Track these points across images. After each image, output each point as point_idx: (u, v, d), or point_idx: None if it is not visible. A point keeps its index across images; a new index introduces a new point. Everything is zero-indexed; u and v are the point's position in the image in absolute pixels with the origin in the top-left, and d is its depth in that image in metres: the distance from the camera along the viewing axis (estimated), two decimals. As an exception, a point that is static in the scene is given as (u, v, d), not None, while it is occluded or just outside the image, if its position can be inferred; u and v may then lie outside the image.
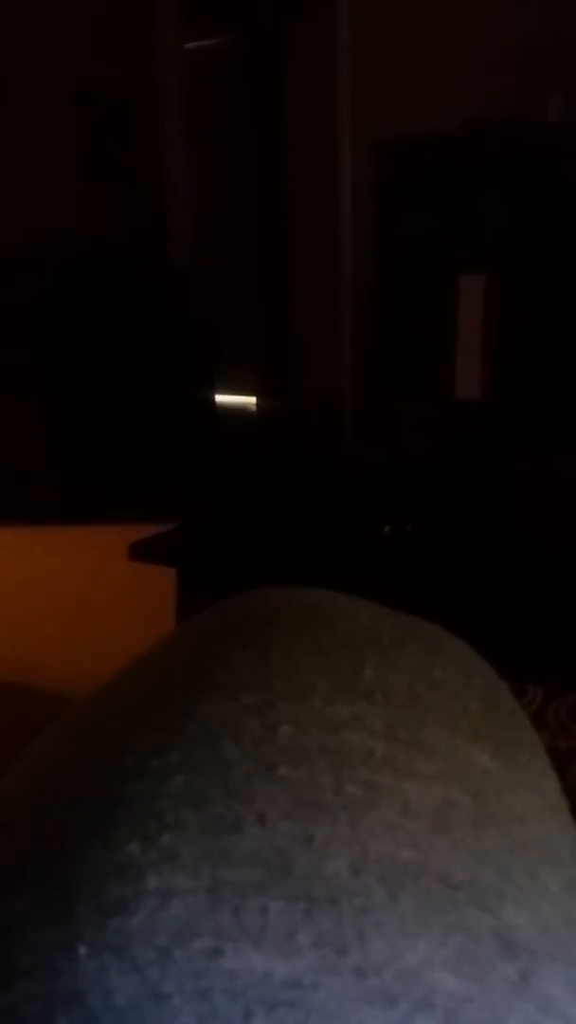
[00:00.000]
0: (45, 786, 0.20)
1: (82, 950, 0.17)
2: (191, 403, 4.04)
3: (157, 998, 0.16)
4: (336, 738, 0.19)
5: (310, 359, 4.32)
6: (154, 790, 0.19)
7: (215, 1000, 0.16)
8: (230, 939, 0.17)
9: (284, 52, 4.37)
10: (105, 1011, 0.16)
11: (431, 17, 3.30)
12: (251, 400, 5.00)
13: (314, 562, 1.24)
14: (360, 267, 3.68)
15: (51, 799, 0.20)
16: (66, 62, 3.97)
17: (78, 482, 3.53)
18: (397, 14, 3.42)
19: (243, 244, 4.84)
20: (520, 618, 1.17)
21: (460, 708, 0.21)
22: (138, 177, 4.27)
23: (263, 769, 0.19)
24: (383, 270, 3.04)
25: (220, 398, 4.37)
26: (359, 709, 0.20)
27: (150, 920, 0.17)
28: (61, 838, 0.19)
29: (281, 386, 4.67)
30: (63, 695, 2.14)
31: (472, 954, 0.18)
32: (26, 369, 3.58)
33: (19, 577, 2.97)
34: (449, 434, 2.38)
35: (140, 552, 1.42)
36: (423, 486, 1.61)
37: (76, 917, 0.17)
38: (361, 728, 0.20)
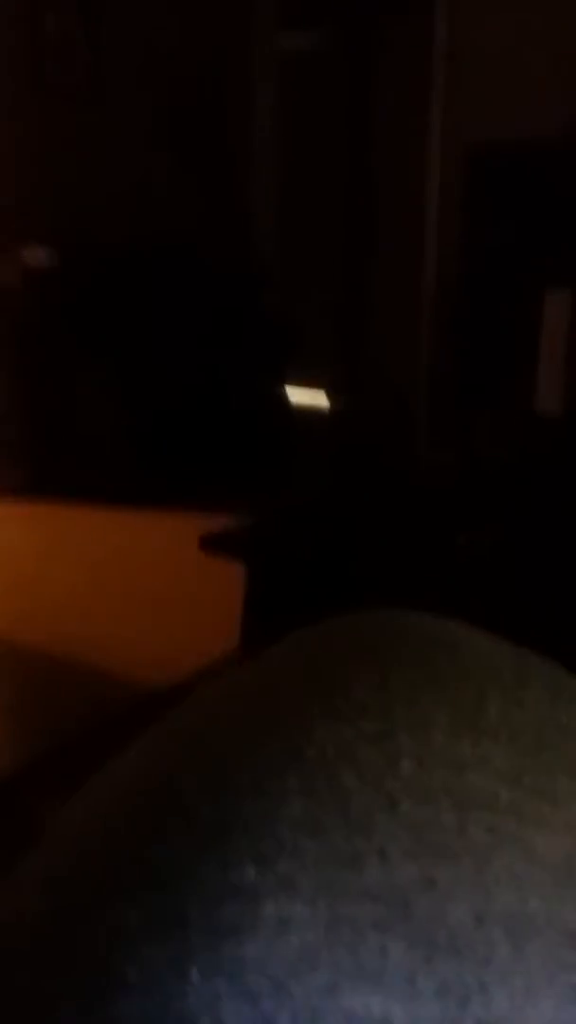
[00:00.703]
0: (152, 792, 0.20)
1: (194, 972, 0.16)
2: (266, 397, 4.05)
3: None
4: (460, 778, 0.19)
5: (387, 361, 4.30)
6: (271, 813, 0.18)
7: None
8: (348, 976, 0.16)
9: (379, 51, 4.34)
10: None
11: (531, 19, 3.24)
12: (325, 398, 4.99)
13: (386, 570, 1.23)
14: (444, 273, 3.65)
15: (160, 807, 0.19)
16: (161, 53, 4.00)
17: (153, 467, 3.57)
18: (497, 14, 3.36)
19: (327, 242, 4.83)
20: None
21: None
22: (226, 171, 4.29)
23: (384, 803, 0.18)
24: (467, 277, 3.01)
25: (295, 394, 4.37)
26: (484, 749, 0.19)
27: (266, 948, 0.16)
28: (172, 850, 0.18)
29: (357, 386, 4.65)
30: (126, 675, 2.16)
31: None
32: (107, 355, 3.63)
33: (90, 556, 3.02)
34: (527, 446, 2.34)
35: (210, 544, 1.42)
36: (500, 498, 1.58)
37: (189, 936, 0.17)
38: (486, 770, 0.19)
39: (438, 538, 1.29)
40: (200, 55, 4.11)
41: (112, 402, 3.61)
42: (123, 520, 3.32)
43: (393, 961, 0.16)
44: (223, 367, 3.76)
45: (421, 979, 0.16)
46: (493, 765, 0.19)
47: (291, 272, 4.49)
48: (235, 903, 0.17)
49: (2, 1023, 0.18)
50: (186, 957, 0.17)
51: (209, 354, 3.74)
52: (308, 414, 4.60)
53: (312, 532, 1.45)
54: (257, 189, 4.36)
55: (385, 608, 0.26)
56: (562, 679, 0.23)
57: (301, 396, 4.54)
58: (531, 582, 1.20)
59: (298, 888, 0.17)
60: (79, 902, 0.18)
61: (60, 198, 3.87)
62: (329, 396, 4.82)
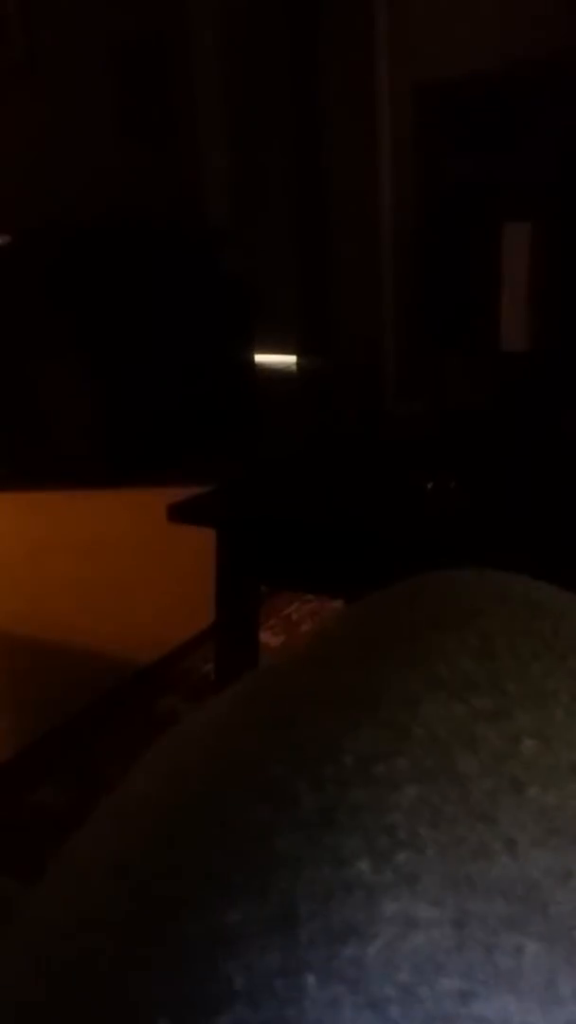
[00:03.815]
0: (239, 775, 0.17)
1: (310, 979, 0.14)
2: (230, 363, 4.01)
3: None
4: None
5: (351, 314, 4.26)
6: (382, 800, 0.16)
7: None
8: (481, 981, 0.14)
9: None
10: None
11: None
12: (291, 359, 4.95)
13: (356, 520, 1.21)
14: (401, 217, 3.61)
15: (253, 791, 0.17)
16: (102, 13, 3.91)
17: (119, 445, 3.54)
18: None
19: (281, 198, 4.77)
20: (570, 577, 1.12)
21: None
22: (173, 130, 4.21)
23: (508, 788, 0.16)
24: (424, 219, 2.97)
25: (259, 357, 4.34)
26: None
27: (388, 951, 0.14)
28: (273, 840, 0.16)
29: (322, 342, 4.61)
30: (104, 656, 2.15)
31: None
32: (65, 332, 3.57)
33: (62, 540, 2.99)
34: (494, 387, 2.33)
35: (178, 513, 1.40)
36: (467, 441, 1.56)
37: (300, 939, 0.15)
38: None
39: (407, 487, 1.27)
40: (143, 10, 4.01)
41: (78, 383, 3.57)
42: (98, 502, 3.29)
43: (530, 962, 0.14)
44: (187, 336, 3.71)
45: (562, 981, 0.14)
46: None
47: (246, 232, 4.42)
48: (350, 901, 0.15)
49: None
50: (300, 962, 0.15)
51: (172, 325, 3.69)
52: (275, 375, 4.57)
53: (281, 491, 1.43)
54: (205, 150, 4.28)
55: (474, 568, 0.23)
56: None
57: (267, 358, 4.51)
58: (498, 522, 1.18)
59: (421, 884, 0.15)
60: (166, 897, 0.16)
61: (6, 178, 3.79)
62: (295, 355, 4.79)
